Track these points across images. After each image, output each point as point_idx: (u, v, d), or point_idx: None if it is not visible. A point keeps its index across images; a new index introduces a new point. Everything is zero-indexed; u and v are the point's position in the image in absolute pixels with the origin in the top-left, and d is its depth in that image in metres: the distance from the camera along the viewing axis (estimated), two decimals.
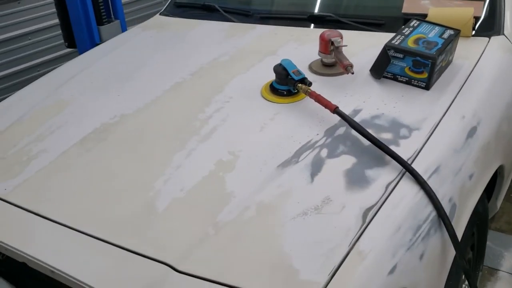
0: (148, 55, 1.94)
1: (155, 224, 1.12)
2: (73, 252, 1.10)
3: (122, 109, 1.56)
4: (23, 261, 1.12)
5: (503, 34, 1.69)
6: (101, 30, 2.96)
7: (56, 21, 3.14)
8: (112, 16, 3.07)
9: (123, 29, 3.07)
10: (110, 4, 3.03)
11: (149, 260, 1.04)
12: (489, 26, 1.72)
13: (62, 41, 3.12)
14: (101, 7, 2.94)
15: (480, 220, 1.53)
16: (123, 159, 1.34)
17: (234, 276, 0.97)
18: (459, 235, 1.21)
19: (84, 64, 1.96)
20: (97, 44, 2.74)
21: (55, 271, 1.07)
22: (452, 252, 1.18)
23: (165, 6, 2.45)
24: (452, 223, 1.13)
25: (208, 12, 2.22)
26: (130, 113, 1.54)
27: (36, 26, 3.39)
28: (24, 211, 1.22)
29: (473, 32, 1.70)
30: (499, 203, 1.80)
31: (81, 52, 2.89)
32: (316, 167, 1.19)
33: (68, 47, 3.08)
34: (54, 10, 3.04)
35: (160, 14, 2.40)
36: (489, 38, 1.67)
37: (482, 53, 1.60)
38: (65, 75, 1.89)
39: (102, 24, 2.96)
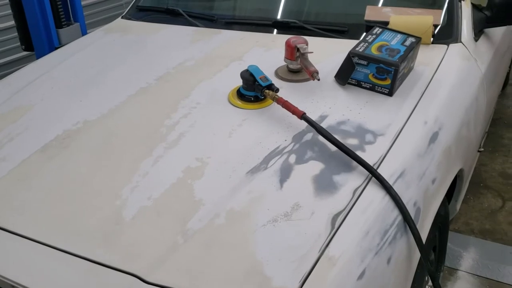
0: (112, 59, 1.90)
1: (122, 234, 1.09)
2: (35, 265, 1.06)
3: (85, 115, 1.52)
4: None
5: (461, 42, 1.75)
6: (60, 33, 2.88)
7: (12, 23, 3.03)
8: (72, 19, 2.99)
9: (83, 32, 3.00)
10: (69, 6, 2.95)
11: (116, 272, 1.01)
12: (447, 34, 1.78)
13: (18, 43, 3.01)
14: (60, 10, 2.86)
15: (442, 222, 1.58)
16: (87, 167, 1.30)
17: (205, 286, 0.96)
18: (424, 238, 1.24)
19: (44, 68, 1.89)
20: (56, 48, 2.67)
21: (16, 286, 1.02)
22: (417, 255, 1.21)
23: (127, 10, 2.41)
24: (417, 227, 1.16)
25: (172, 17, 2.20)
26: (94, 119, 1.50)
27: None
28: None
29: (433, 40, 1.75)
30: (458, 205, 1.86)
31: (38, 55, 2.80)
32: (284, 173, 1.20)
33: (25, 50, 2.97)
34: (10, 11, 2.93)
35: (122, 18, 2.36)
36: (448, 46, 1.73)
37: (442, 60, 1.66)
38: (24, 79, 1.83)
39: (61, 27, 2.88)
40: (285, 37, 1.62)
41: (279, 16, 2.02)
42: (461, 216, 2.42)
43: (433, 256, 1.69)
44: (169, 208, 1.14)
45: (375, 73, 1.48)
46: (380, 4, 1.92)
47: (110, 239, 1.08)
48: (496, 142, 3.04)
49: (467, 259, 2.17)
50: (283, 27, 1.95)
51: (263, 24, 2.00)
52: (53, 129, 1.47)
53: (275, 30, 1.97)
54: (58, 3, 2.84)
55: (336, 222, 1.06)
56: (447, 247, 1.94)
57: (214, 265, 0.99)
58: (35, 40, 2.88)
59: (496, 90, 2.21)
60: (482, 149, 2.10)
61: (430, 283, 1.58)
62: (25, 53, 3.20)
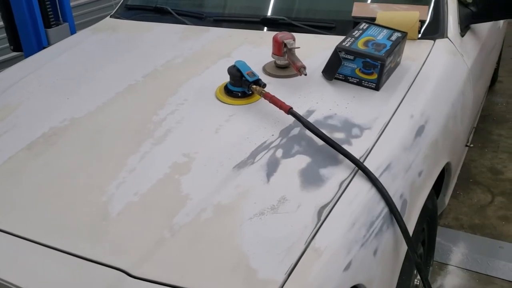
0: (100, 57, 1.90)
1: (109, 230, 1.09)
2: (21, 261, 1.05)
3: (72, 112, 1.51)
4: None
5: (447, 37, 1.77)
6: (49, 33, 2.87)
7: (0, 23, 3.02)
8: (61, 18, 2.98)
9: (72, 32, 2.99)
10: (58, 6, 2.94)
11: (102, 267, 1.01)
12: (434, 30, 1.79)
13: (6, 44, 3.00)
14: (49, 10, 2.85)
15: (430, 216, 1.59)
16: (74, 163, 1.30)
17: (191, 279, 0.96)
18: (410, 230, 1.25)
19: (31, 67, 1.89)
20: (45, 48, 2.65)
21: (1, 282, 1.02)
22: (404, 247, 1.22)
23: (116, 9, 2.41)
24: (404, 219, 1.17)
25: (161, 15, 2.19)
26: (81, 116, 1.49)
27: None
28: None
29: (419, 35, 1.76)
30: (447, 199, 1.87)
31: (27, 56, 2.79)
32: (271, 168, 1.20)
33: (14, 50, 2.96)
34: None
35: (111, 17, 2.36)
36: (434, 41, 1.74)
37: (428, 55, 1.67)
38: (11, 78, 1.82)
39: (50, 27, 2.87)
40: (274, 34, 1.62)
41: (267, 13, 2.02)
42: (451, 212, 2.44)
43: (421, 250, 1.69)
44: (156, 203, 1.14)
45: (362, 68, 1.49)
46: (368, 1, 1.93)
47: (97, 234, 1.08)
48: (485, 138, 3.07)
49: (456, 253, 2.18)
50: (272, 24, 1.96)
51: (251, 21, 2.00)
52: (40, 126, 1.46)
53: (264, 28, 1.97)
54: (47, 2, 2.83)
55: (322, 214, 1.07)
56: (437, 242, 1.95)
57: (200, 259, 0.99)
58: (24, 41, 2.87)
59: (483, 86, 2.22)
60: (471, 145, 2.11)
61: (419, 276, 1.59)
62: (13, 54, 3.18)
